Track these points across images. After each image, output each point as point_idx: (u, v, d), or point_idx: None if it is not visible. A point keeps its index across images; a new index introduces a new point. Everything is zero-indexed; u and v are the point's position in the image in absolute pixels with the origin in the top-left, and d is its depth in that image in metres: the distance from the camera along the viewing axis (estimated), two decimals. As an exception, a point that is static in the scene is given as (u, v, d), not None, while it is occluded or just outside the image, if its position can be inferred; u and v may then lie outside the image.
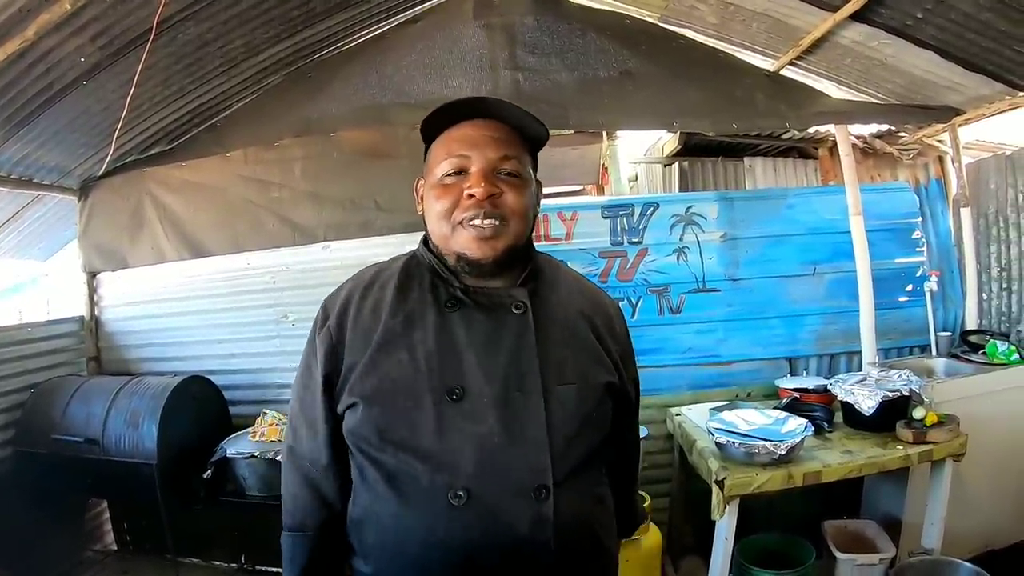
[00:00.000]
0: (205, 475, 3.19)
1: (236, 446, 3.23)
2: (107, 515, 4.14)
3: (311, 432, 1.24)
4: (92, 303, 4.14)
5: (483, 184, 1.15)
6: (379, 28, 3.76)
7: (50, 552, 3.56)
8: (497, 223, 1.16)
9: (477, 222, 1.15)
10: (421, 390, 1.13)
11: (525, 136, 1.25)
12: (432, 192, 1.21)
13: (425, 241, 1.29)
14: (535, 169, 1.29)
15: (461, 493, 1.07)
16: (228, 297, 3.89)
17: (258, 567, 3.68)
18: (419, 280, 1.24)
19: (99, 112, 3.37)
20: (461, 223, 1.16)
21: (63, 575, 3.54)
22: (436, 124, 1.24)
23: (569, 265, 3.86)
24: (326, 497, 1.25)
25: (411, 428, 1.12)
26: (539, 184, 1.31)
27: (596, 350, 1.25)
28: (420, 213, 1.28)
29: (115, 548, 4.10)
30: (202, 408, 3.55)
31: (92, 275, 4.14)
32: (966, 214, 3.85)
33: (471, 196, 1.15)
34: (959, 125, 3.73)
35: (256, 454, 3.14)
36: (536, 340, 1.17)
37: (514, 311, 1.19)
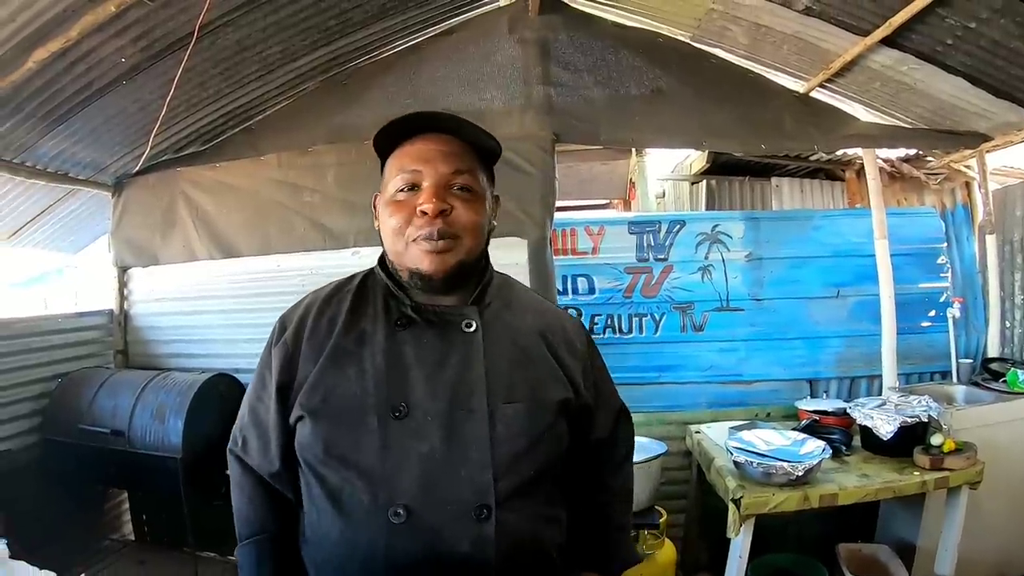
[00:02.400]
0: (228, 471, 3.23)
1: (260, 445, 3.26)
2: (126, 505, 4.18)
3: (262, 443, 1.25)
4: (122, 297, 4.20)
5: (434, 200, 1.15)
6: (414, 39, 3.79)
7: (70, 538, 3.60)
8: (449, 240, 1.16)
9: (430, 239, 1.16)
10: (366, 407, 1.13)
11: (479, 151, 1.26)
12: (386, 209, 1.21)
13: (382, 259, 1.30)
14: (492, 183, 1.30)
15: (401, 511, 1.07)
16: (257, 298, 3.91)
17: (274, 564, 3.72)
18: (372, 298, 1.26)
19: (136, 111, 3.43)
20: (415, 239, 1.17)
21: (81, 562, 3.56)
22: (390, 139, 1.25)
23: (595, 281, 3.88)
24: (283, 497, 1.25)
25: (354, 444, 1.12)
26: (496, 199, 1.31)
27: (551, 366, 1.24)
28: (376, 228, 1.28)
29: (132, 538, 4.13)
30: (227, 406, 3.55)
31: (123, 270, 4.20)
32: (991, 241, 3.84)
33: (423, 213, 1.15)
34: (986, 151, 3.73)
35: (280, 453, 3.16)
36: (485, 358, 1.18)
37: (464, 329, 1.20)
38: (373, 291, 1.27)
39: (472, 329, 1.20)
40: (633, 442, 1.46)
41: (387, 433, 1.11)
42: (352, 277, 1.34)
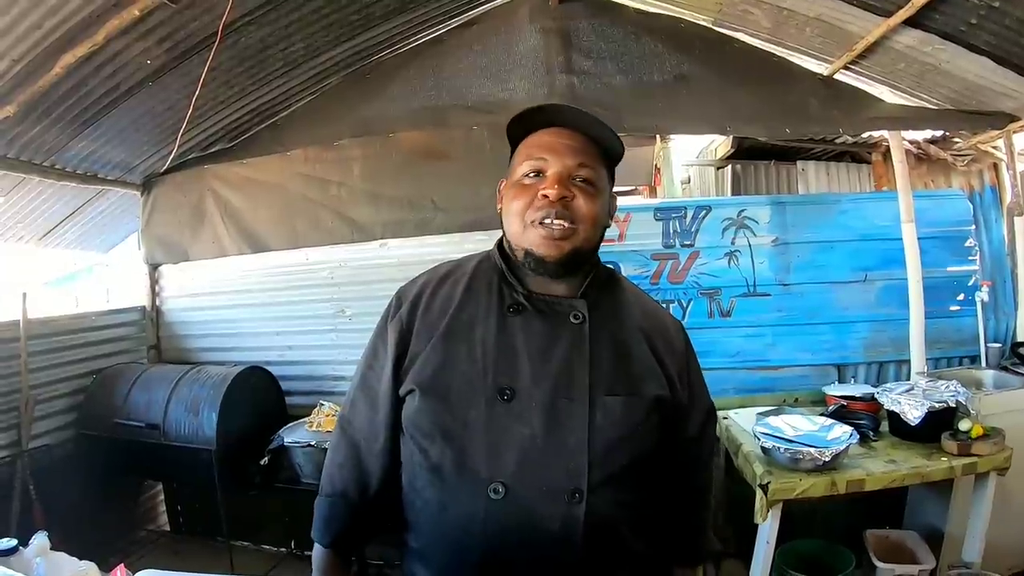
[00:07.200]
0: (262, 462, 3.29)
1: (293, 435, 3.32)
2: (162, 497, 4.29)
3: (371, 409, 1.31)
4: (154, 294, 4.30)
5: (556, 186, 1.19)
6: (436, 31, 3.82)
7: (106, 530, 3.70)
8: (566, 224, 1.20)
9: (548, 221, 1.19)
10: (475, 387, 1.19)
11: (603, 151, 1.30)
12: (510, 191, 1.26)
13: (500, 244, 1.35)
14: (612, 183, 1.34)
15: (500, 489, 1.13)
16: (286, 291, 4.00)
17: (307, 553, 3.76)
18: (487, 282, 1.30)
19: (163, 111, 3.50)
20: (533, 222, 1.21)
21: (118, 552, 3.64)
22: (522, 128, 1.31)
23: (621, 268, 3.87)
24: (371, 475, 1.30)
25: (461, 421, 1.18)
26: (613, 198, 1.36)
27: (650, 363, 1.28)
28: (499, 212, 1.33)
29: (168, 529, 4.25)
30: (259, 398, 3.65)
31: (154, 267, 4.30)
32: (1020, 223, 3.75)
33: (545, 196, 1.20)
34: (1014, 131, 3.65)
35: (313, 443, 3.21)
36: (590, 350, 1.22)
37: (572, 320, 1.24)
38: (487, 275, 1.32)
39: (579, 321, 1.24)
40: (715, 440, 1.50)
41: (492, 414, 1.17)
42: (469, 258, 1.39)
